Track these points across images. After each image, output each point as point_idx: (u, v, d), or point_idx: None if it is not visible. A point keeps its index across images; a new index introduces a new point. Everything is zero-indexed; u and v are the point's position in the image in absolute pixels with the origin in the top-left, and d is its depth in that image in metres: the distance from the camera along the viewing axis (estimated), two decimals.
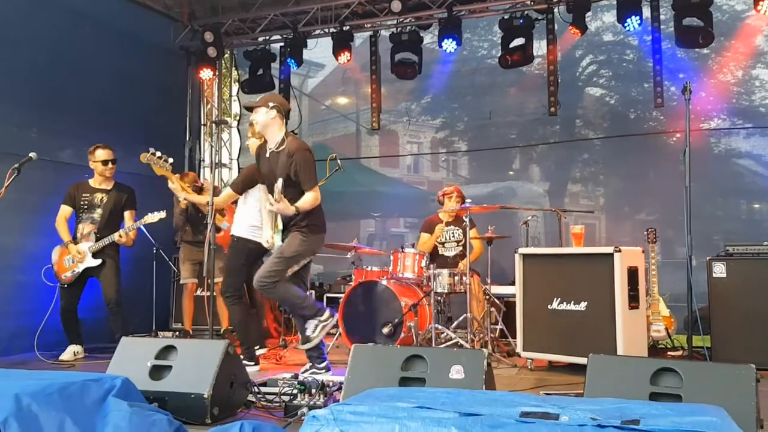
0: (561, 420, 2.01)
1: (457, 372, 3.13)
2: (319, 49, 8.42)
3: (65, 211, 5.84)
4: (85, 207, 5.82)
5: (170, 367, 3.46)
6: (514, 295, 5.50)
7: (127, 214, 5.80)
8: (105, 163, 5.80)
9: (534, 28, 7.14)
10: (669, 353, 5.61)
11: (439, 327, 5.67)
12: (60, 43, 6.57)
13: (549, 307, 5.02)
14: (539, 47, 7.46)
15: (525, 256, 5.26)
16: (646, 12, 6.78)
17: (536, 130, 9.29)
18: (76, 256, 5.67)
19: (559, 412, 2.06)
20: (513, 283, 5.60)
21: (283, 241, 4.64)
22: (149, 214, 5.67)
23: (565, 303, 4.96)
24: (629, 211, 9.12)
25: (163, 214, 5.64)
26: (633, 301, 4.78)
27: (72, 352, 5.71)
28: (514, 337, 5.54)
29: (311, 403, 3.42)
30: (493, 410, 2.09)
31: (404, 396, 2.32)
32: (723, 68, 8.37)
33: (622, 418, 2.00)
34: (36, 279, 5.71)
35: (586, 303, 4.86)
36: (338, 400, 3.36)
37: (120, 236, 5.59)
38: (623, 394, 2.64)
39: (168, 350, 3.55)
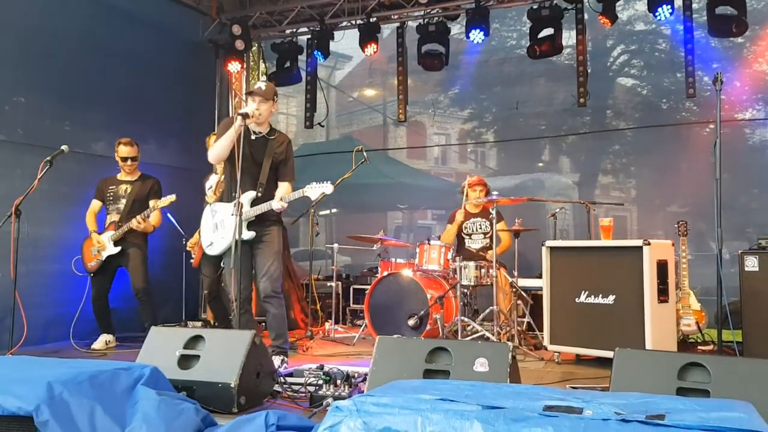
0: (584, 414, 1.99)
1: (481, 365, 3.12)
2: (345, 41, 8.41)
3: (95, 205, 5.99)
4: (111, 199, 5.94)
5: (198, 356, 3.51)
6: (541, 288, 5.47)
7: (152, 203, 5.86)
8: (124, 159, 5.91)
9: (563, 18, 7.01)
10: (699, 347, 5.53)
11: (465, 319, 5.66)
12: (91, 36, 6.67)
13: (576, 300, 4.98)
14: (569, 37, 7.33)
15: (552, 248, 5.21)
16: (678, 1, 6.64)
17: (566, 121, 9.20)
18: (98, 245, 5.78)
19: (583, 406, 2.05)
20: (540, 276, 5.56)
21: (258, 235, 4.63)
22: (161, 198, 5.73)
23: (593, 296, 4.92)
24: (661, 204, 8.99)
25: (173, 197, 5.65)
26: (662, 294, 4.72)
27: (104, 341, 5.82)
28: (541, 330, 5.50)
29: (336, 393, 3.45)
30: (517, 403, 2.08)
31: (428, 388, 2.32)
32: (758, 57, 8.19)
33: (647, 412, 1.98)
34: (70, 269, 5.84)
35: (614, 296, 4.82)
36: (363, 391, 3.39)
37: (138, 222, 5.66)
38: (650, 388, 2.61)
39: (196, 340, 3.60)
